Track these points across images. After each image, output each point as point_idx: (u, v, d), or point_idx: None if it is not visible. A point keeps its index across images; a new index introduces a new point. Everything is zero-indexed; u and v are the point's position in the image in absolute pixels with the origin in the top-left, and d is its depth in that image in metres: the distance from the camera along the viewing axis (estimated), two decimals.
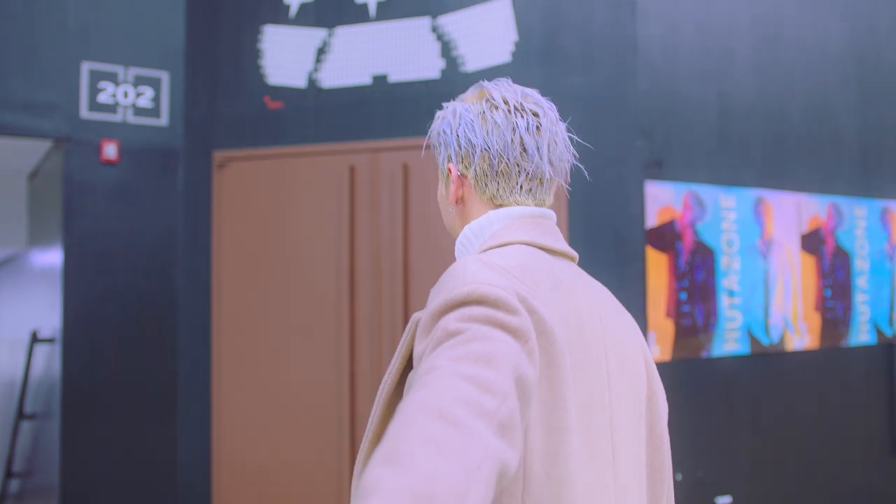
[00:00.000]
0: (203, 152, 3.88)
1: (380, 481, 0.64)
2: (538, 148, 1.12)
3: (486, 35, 3.56)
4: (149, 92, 3.89)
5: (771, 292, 3.69)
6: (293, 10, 3.82)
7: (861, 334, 4.00)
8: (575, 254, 1.16)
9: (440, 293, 0.96)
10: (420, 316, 0.99)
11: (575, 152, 1.20)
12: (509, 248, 1.07)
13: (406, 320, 3.54)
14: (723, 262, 3.55)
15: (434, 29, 3.64)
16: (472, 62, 3.58)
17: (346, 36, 3.75)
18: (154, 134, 3.90)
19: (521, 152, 1.11)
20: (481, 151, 1.12)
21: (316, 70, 3.78)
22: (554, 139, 1.14)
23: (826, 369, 3.88)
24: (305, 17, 3.81)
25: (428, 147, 1.24)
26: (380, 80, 3.70)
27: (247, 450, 3.73)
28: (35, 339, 4.27)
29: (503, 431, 0.76)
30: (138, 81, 3.88)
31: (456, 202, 1.18)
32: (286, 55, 3.81)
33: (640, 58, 3.40)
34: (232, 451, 3.75)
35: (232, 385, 3.77)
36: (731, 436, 3.58)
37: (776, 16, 3.84)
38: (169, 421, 3.84)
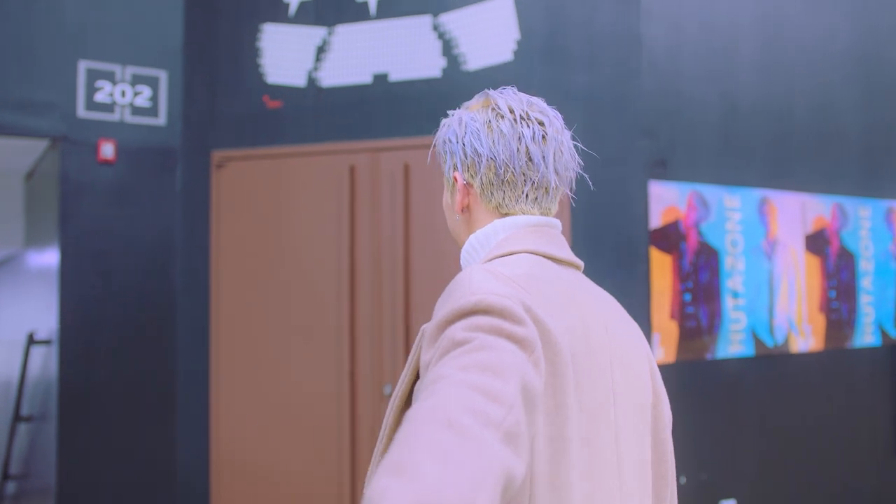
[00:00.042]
0: (201, 152, 3.84)
1: (386, 490, 0.64)
2: (544, 157, 1.12)
3: (488, 33, 3.52)
4: (146, 91, 3.85)
5: (775, 293, 3.65)
6: (293, 9, 3.78)
7: (866, 336, 3.97)
8: (580, 263, 1.16)
9: (446, 303, 0.96)
10: (427, 327, 0.99)
11: (580, 160, 1.19)
12: (515, 258, 1.07)
13: (407, 322, 3.50)
14: (727, 262, 3.51)
15: (435, 27, 3.60)
16: (473, 61, 3.54)
17: (347, 34, 3.71)
18: (152, 133, 3.86)
19: (526, 161, 1.11)
20: (487, 161, 1.12)
21: (316, 69, 3.74)
22: (559, 148, 1.14)
23: (831, 371, 3.85)
24: (305, 16, 3.77)
25: (434, 153, 1.25)
26: (380, 78, 3.66)
27: (246, 451, 3.69)
28: (32, 340, 4.23)
29: (509, 440, 0.77)
30: (136, 80, 3.84)
31: (462, 211, 1.18)
32: (285, 54, 3.77)
33: (644, 57, 3.37)
34: (231, 452, 3.71)
35: (231, 386, 3.73)
36: (735, 438, 3.54)
37: (780, 15, 3.81)
38: (167, 423, 3.80)
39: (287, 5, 3.78)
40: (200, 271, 3.80)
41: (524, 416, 0.82)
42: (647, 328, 3.21)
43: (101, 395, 3.72)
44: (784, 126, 3.77)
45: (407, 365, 1.03)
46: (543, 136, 1.12)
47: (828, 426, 3.81)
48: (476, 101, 1.19)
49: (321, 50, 3.74)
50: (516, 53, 3.48)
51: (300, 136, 3.74)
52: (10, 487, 4.89)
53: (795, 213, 3.75)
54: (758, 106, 3.69)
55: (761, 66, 3.72)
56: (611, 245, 3.29)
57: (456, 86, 3.54)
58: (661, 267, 3.32)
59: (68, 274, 3.70)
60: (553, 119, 1.15)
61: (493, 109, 1.14)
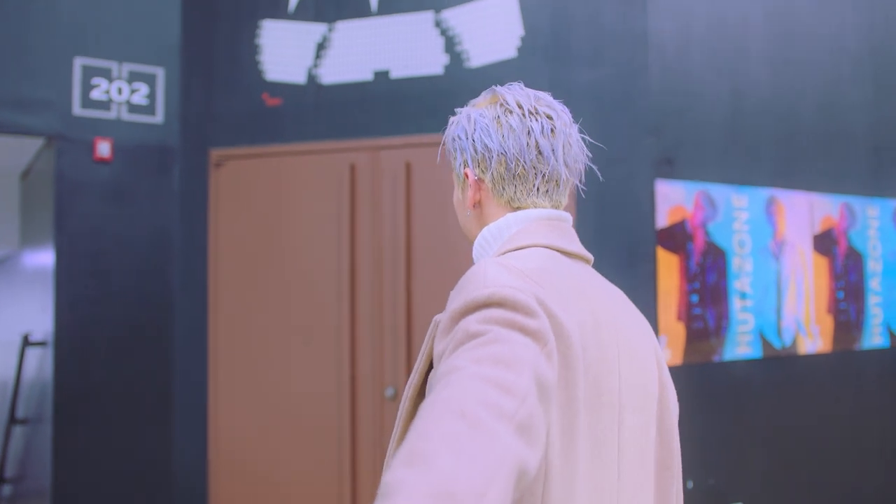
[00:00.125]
0: (199, 150, 3.78)
1: (402, 481, 0.66)
2: (553, 150, 1.14)
3: (491, 30, 3.46)
4: (143, 88, 3.79)
5: (783, 294, 3.60)
6: (292, 5, 3.72)
7: (874, 337, 3.92)
8: (590, 256, 1.18)
9: (460, 295, 0.98)
10: (440, 318, 1.01)
11: (588, 153, 1.22)
12: (527, 252, 1.09)
13: (409, 322, 3.45)
14: (734, 263, 3.46)
15: (437, 23, 3.54)
16: (476, 58, 3.48)
17: (347, 31, 3.65)
18: (149, 131, 3.80)
19: (536, 155, 1.13)
20: (498, 156, 1.14)
21: (316, 66, 3.68)
22: (568, 141, 1.16)
23: (839, 373, 3.79)
24: (305, 12, 3.71)
25: (443, 151, 1.26)
26: (381, 75, 3.60)
27: (245, 453, 3.64)
28: (27, 342, 4.17)
29: (522, 432, 0.78)
30: (133, 77, 3.78)
31: (473, 206, 1.19)
32: (285, 50, 3.71)
33: (651, 53, 3.31)
34: (230, 455, 3.66)
35: (229, 388, 3.67)
36: (742, 442, 3.48)
37: (789, 12, 3.75)
38: (165, 424, 3.74)
39: (286, 2, 3.72)
40: (198, 271, 3.74)
41: (538, 408, 0.83)
42: (653, 330, 3.15)
43: (98, 397, 3.67)
44: (792, 125, 3.71)
45: (420, 355, 1.05)
46: (552, 130, 1.14)
47: (836, 428, 3.76)
48: (483, 98, 1.20)
49: (321, 47, 3.68)
50: (520, 50, 3.42)
51: (300, 135, 3.68)
52: (6, 490, 4.84)
53: (803, 212, 3.69)
54: (766, 104, 3.63)
55: (770, 63, 3.66)
56: (617, 245, 3.23)
57: (458, 83, 3.48)
58: (668, 267, 3.26)
59: (64, 274, 3.64)
60: (561, 113, 1.17)
61: (501, 105, 1.16)
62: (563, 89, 3.24)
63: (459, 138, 1.19)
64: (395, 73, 3.58)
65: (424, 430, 0.73)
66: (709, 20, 3.50)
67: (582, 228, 3.24)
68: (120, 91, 3.76)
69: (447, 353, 0.91)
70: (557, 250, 1.11)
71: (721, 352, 3.40)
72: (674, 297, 3.27)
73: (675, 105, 3.37)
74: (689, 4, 3.46)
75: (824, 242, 3.77)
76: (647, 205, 3.25)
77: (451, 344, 0.91)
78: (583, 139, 1.20)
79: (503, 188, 1.15)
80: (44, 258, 3.96)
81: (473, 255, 1.21)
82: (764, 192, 3.57)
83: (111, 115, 3.74)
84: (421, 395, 1.06)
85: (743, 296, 3.47)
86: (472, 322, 0.92)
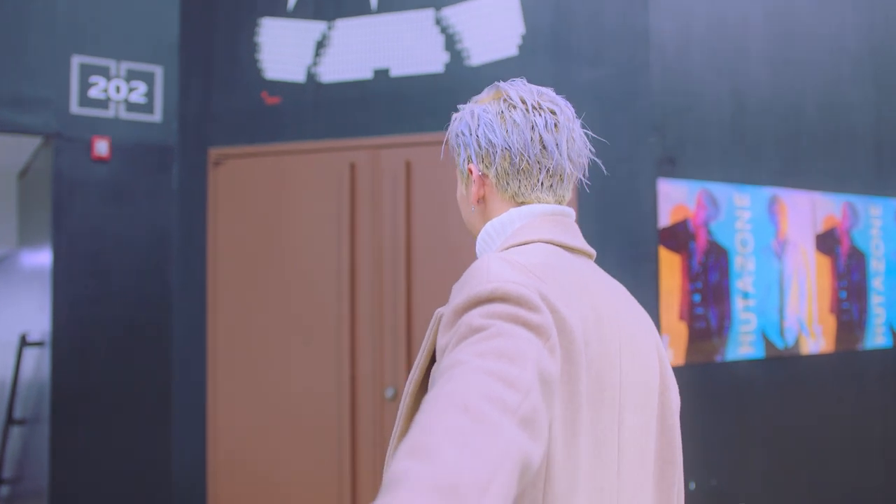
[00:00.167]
0: (198, 149, 3.75)
1: (406, 473, 0.66)
2: (557, 145, 1.14)
3: (492, 28, 3.43)
4: (142, 87, 3.77)
5: (786, 294, 3.58)
6: (291, 3, 3.70)
7: (877, 337, 3.90)
8: (593, 251, 1.19)
9: (463, 289, 0.98)
10: (443, 311, 1.01)
11: (591, 147, 1.22)
12: (531, 247, 1.09)
13: (409, 322, 3.42)
14: (737, 262, 3.44)
15: (438, 21, 3.51)
16: (477, 56, 3.45)
17: (347, 29, 3.62)
18: (147, 130, 3.77)
19: (541, 150, 1.14)
20: (502, 150, 1.14)
21: (315, 64, 3.65)
22: (572, 135, 1.17)
23: (841, 373, 3.77)
24: (304, 10, 3.69)
25: (446, 148, 1.26)
26: (381, 74, 3.57)
27: (244, 455, 3.61)
28: (24, 342, 4.15)
29: (526, 425, 0.78)
30: (131, 76, 3.75)
31: (477, 201, 1.20)
32: (284, 49, 3.69)
33: (653, 52, 3.28)
34: (229, 456, 3.63)
35: (228, 389, 3.65)
36: (745, 442, 3.46)
37: (791, 11, 3.73)
38: (163, 425, 3.72)
39: None
40: (197, 271, 3.72)
41: (541, 403, 0.83)
42: (656, 329, 3.13)
43: (96, 398, 3.64)
44: (794, 124, 3.69)
45: (421, 350, 1.06)
46: (556, 125, 1.14)
47: (838, 428, 3.74)
48: (486, 94, 1.21)
49: (321, 45, 3.66)
50: (521, 48, 3.40)
51: (299, 133, 3.65)
52: (3, 491, 4.82)
53: (806, 211, 3.67)
54: (768, 103, 3.61)
55: (772, 62, 3.64)
56: (619, 244, 3.21)
57: (459, 81, 3.45)
58: (670, 267, 3.24)
59: (61, 274, 3.62)
60: (564, 108, 1.18)
61: (504, 100, 1.16)
62: (564, 88, 3.21)
63: (463, 134, 1.19)
64: (396, 72, 3.55)
65: (428, 424, 0.73)
66: (710, 19, 3.48)
67: (584, 228, 3.20)
68: (118, 89, 3.73)
69: (450, 348, 0.91)
70: (560, 246, 1.12)
71: (723, 352, 3.38)
72: (676, 296, 3.25)
73: (677, 104, 3.35)
74: (690, 4, 3.43)
75: (827, 242, 3.75)
76: (649, 204, 3.23)
77: (455, 338, 0.91)
78: (585, 134, 1.21)
79: (507, 183, 1.15)
80: (41, 258, 3.94)
81: (476, 250, 1.21)
82: (766, 192, 3.55)
83: (109, 113, 3.72)
84: (422, 389, 1.06)
85: (745, 295, 3.45)
86: (475, 317, 0.92)
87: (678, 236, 3.27)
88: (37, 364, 4.01)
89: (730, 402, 3.43)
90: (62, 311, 3.62)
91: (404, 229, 3.48)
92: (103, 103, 3.71)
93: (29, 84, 3.61)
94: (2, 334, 5.31)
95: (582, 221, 3.20)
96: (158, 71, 3.80)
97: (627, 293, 1.22)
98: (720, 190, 3.41)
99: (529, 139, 1.13)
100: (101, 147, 3.68)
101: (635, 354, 1.12)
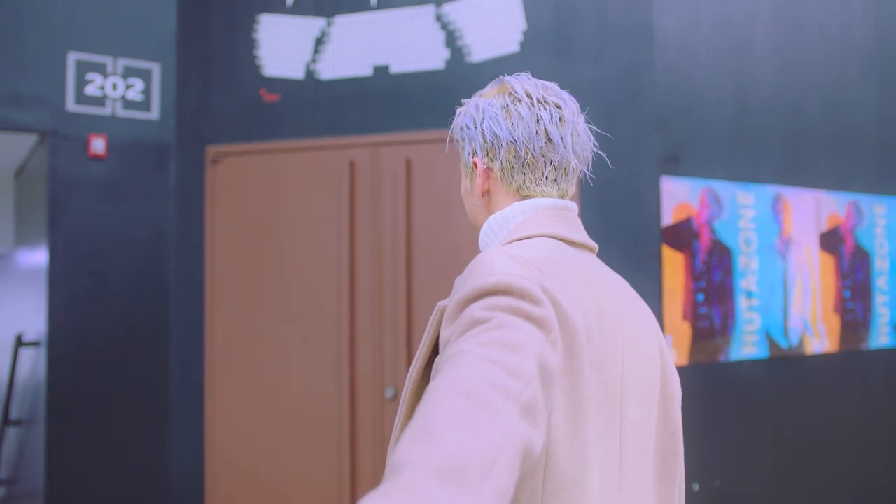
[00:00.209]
0: (196, 147, 3.71)
1: (411, 455, 0.67)
2: (562, 138, 1.14)
3: (494, 24, 3.40)
4: (139, 84, 3.73)
5: (790, 294, 3.54)
6: None
7: (881, 337, 3.86)
8: (595, 245, 1.20)
9: (466, 283, 0.99)
10: (445, 304, 1.03)
11: (595, 142, 1.22)
12: (533, 241, 1.10)
13: (409, 322, 3.39)
14: (740, 261, 3.40)
15: (438, 17, 3.48)
16: (478, 52, 3.41)
17: (346, 25, 3.58)
18: (144, 128, 3.73)
19: (546, 142, 1.14)
20: (507, 143, 1.15)
21: (314, 61, 3.61)
22: (576, 129, 1.17)
23: (846, 373, 3.74)
24: (303, 6, 3.64)
25: (451, 141, 1.27)
26: (381, 71, 3.53)
27: (243, 455, 3.58)
28: (20, 342, 4.11)
29: (527, 413, 0.79)
30: (128, 73, 3.71)
31: (482, 195, 1.20)
32: (283, 45, 3.65)
33: (656, 49, 3.25)
34: (227, 456, 3.60)
35: (227, 388, 3.61)
36: (749, 443, 3.43)
37: (795, 8, 3.70)
38: (161, 426, 3.68)
39: None
40: (195, 271, 3.68)
41: (541, 393, 0.84)
42: (659, 329, 3.09)
43: (92, 398, 3.61)
44: (799, 121, 3.66)
45: (422, 342, 1.07)
46: (560, 119, 1.15)
47: (843, 429, 3.71)
48: (491, 88, 1.21)
49: (320, 41, 3.62)
50: (523, 45, 3.36)
51: (298, 131, 3.61)
52: (0, 492, 4.78)
53: (810, 210, 3.64)
54: (772, 101, 3.57)
55: (776, 60, 3.61)
56: (622, 242, 3.17)
57: (460, 78, 3.41)
58: (674, 266, 3.20)
59: (57, 273, 3.58)
60: (569, 102, 1.18)
61: (510, 94, 1.17)
62: (566, 85, 3.16)
63: (468, 127, 1.19)
64: (396, 69, 3.51)
65: (431, 410, 0.73)
66: (714, 16, 3.44)
67: (587, 227, 3.17)
68: (115, 87, 3.69)
69: (453, 339, 0.91)
70: (562, 240, 1.13)
71: (727, 352, 3.34)
72: (679, 296, 3.22)
73: (681, 102, 3.31)
74: (695, 0, 3.40)
75: (831, 240, 3.71)
76: (653, 202, 3.19)
77: (458, 330, 0.92)
78: (589, 129, 1.22)
79: (512, 176, 1.16)
80: (38, 257, 3.90)
81: (479, 243, 1.22)
82: (770, 190, 3.52)
83: (106, 111, 3.68)
84: (424, 381, 1.08)
85: (749, 295, 3.41)
86: (477, 309, 0.93)
87: (682, 235, 3.24)
88: (33, 364, 3.98)
89: (733, 403, 3.39)
90: (58, 310, 3.58)
91: (404, 228, 3.44)
92: (100, 100, 3.67)
93: (25, 81, 3.57)
94: None
95: (585, 220, 3.15)
96: (156, 68, 3.76)
97: (629, 287, 1.23)
98: (724, 188, 3.37)
99: (534, 132, 1.13)
100: (98, 145, 3.64)
101: (637, 348, 1.12)
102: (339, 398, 3.46)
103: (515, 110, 1.14)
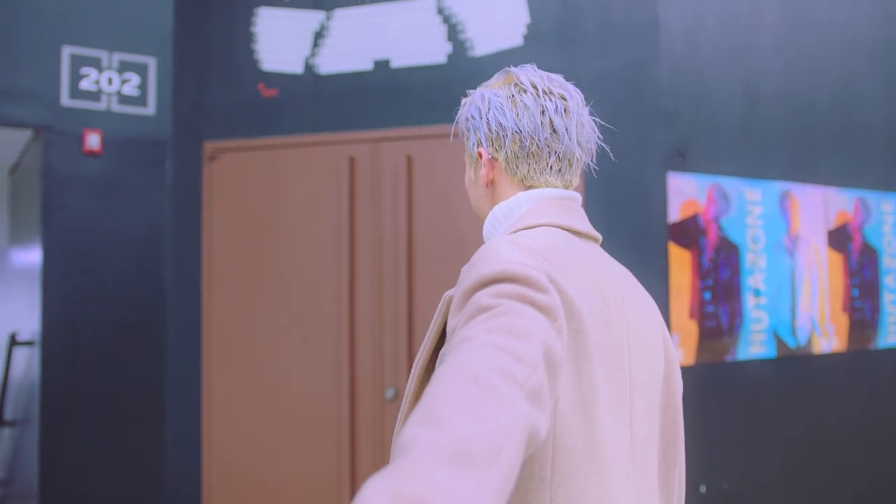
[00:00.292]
0: (192, 143, 3.65)
1: (417, 438, 0.67)
2: (567, 129, 1.16)
3: (496, 17, 3.33)
4: (134, 79, 3.66)
5: (798, 292, 3.48)
6: None
7: (889, 336, 3.80)
8: (599, 236, 1.21)
9: (472, 271, 0.99)
10: (452, 293, 1.03)
11: (599, 134, 1.24)
12: (538, 231, 1.11)
13: (410, 321, 3.33)
14: (748, 259, 3.34)
15: (440, 11, 3.41)
16: (480, 46, 3.35)
17: (346, 19, 3.52)
18: (140, 123, 3.66)
19: (550, 133, 1.15)
20: (512, 134, 1.15)
21: (313, 55, 3.55)
22: (581, 121, 1.18)
23: (854, 373, 3.68)
24: None
25: (456, 134, 1.28)
26: (381, 65, 3.47)
27: (240, 456, 3.52)
28: (14, 341, 4.05)
29: (533, 399, 0.80)
30: (123, 67, 3.65)
31: (487, 185, 1.21)
32: (281, 39, 3.58)
33: (662, 43, 3.19)
34: (224, 457, 3.54)
35: (224, 389, 3.55)
36: (757, 444, 3.37)
37: (803, 2, 3.63)
38: (156, 427, 3.62)
39: None
40: (192, 269, 3.62)
41: (546, 380, 0.84)
42: (666, 328, 3.03)
43: (87, 398, 3.55)
44: (806, 117, 3.60)
45: (429, 331, 1.08)
46: (565, 110, 1.16)
47: (851, 429, 3.65)
48: (497, 79, 1.22)
49: (319, 35, 3.55)
50: (526, 38, 3.30)
51: (297, 126, 3.55)
52: None
53: (818, 207, 3.58)
54: (779, 96, 3.51)
55: (783, 55, 3.55)
56: (627, 239, 3.11)
57: (462, 72, 3.35)
58: (680, 263, 3.14)
59: (51, 272, 3.51)
60: (574, 93, 1.19)
61: (515, 85, 1.18)
62: (570, 79, 3.11)
63: (473, 118, 1.20)
64: (396, 63, 3.45)
65: (438, 394, 0.74)
66: (720, 10, 3.38)
67: (592, 223, 3.11)
68: (110, 81, 3.62)
69: (460, 326, 0.92)
70: (567, 229, 1.14)
71: (734, 351, 3.28)
72: (686, 294, 3.15)
73: (687, 96, 3.25)
74: None
75: (839, 238, 3.66)
76: (659, 199, 3.13)
77: (464, 317, 0.93)
78: (594, 121, 1.23)
79: (517, 166, 1.17)
80: (32, 255, 3.84)
81: (484, 234, 1.23)
82: (778, 186, 3.46)
83: (101, 106, 3.61)
84: (429, 371, 1.08)
85: (757, 293, 3.35)
86: (484, 296, 0.93)
87: (688, 232, 3.18)
88: (27, 364, 3.92)
89: (741, 403, 3.33)
90: (52, 309, 3.52)
91: (405, 225, 3.38)
92: (95, 95, 3.61)
93: (18, 75, 3.50)
94: None
95: (590, 216, 3.10)
96: (152, 62, 3.70)
97: (632, 277, 1.24)
98: (731, 184, 3.31)
99: (540, 123, 1.14)
100: (93, 140, 3.58)
101: (642, 336, 1.14)
102: (339, 398, 3.40)
103: (521, 101, 1.15)
